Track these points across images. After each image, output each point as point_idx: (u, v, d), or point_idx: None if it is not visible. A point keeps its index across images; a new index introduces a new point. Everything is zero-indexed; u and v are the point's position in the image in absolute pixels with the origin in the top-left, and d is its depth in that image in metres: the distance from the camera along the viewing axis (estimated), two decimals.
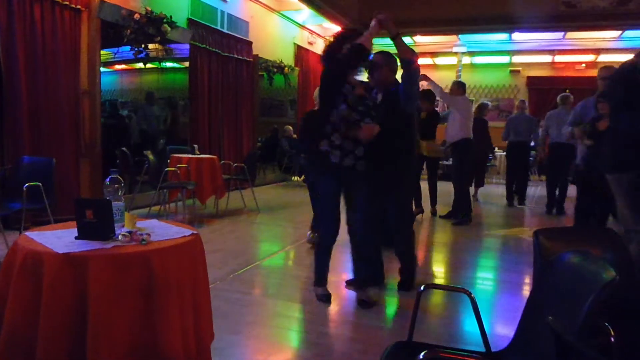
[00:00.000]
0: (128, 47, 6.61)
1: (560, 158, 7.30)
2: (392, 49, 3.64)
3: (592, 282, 1.35)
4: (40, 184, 4.06)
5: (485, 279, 4.51)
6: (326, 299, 3.49)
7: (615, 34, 11.28)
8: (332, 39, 3.52)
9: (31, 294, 1.68)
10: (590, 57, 13.56)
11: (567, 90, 8.65)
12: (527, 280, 4.23)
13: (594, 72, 14.77)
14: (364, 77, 3.61)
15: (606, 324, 1.55)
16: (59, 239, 1.86)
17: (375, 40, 3.42)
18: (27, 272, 1.71)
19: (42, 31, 5.35)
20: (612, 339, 1.53)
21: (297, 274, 4.07)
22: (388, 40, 3.45)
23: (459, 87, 6.89)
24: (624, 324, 1.77)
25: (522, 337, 1.69)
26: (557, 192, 7.60)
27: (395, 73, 3.72)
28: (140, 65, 7.93)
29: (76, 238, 1.87)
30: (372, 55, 3.51)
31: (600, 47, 12.17)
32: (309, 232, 5.10)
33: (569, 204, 7.42)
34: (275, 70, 10.27)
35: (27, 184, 3.99)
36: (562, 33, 11.48)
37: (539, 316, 1.51)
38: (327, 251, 3.48)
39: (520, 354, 1.66)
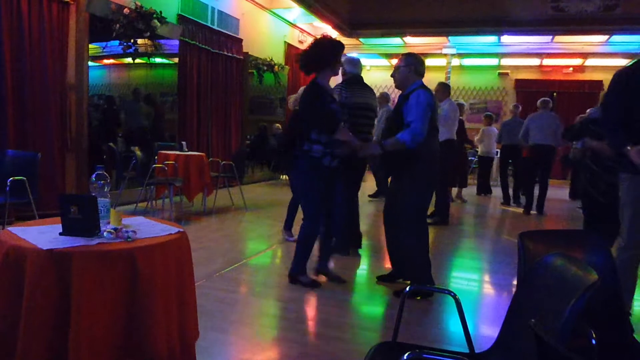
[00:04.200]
0: (117, 42, 6.55)
1: (541, 159, 7.58)
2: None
3: (574, 284, 1.36)
4: (24, 178, 4.01)
5: (470, 280, 4.54)
6: (317, 284, 3.81)
7: (602, 38, 11.41)
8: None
9: (13, 290, 1.66)
10: (577, 61, 13.72)
11: (555, 94, 8.77)
12: (512, 282, 4.26)
13: (581, 76, 14.99)
14: None
15: (587, 326, 1.57)
16: (43, 234, 1.84)
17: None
18: (9, 267, 1.69)
19: (29, 24, 5.29)
20: (594, 342, 1.55)
21: (283, 273, 4.05)
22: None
23: (444, 89, 6.76)
24: (605, 326, 1.80)
25: (505, 338, 1.70)
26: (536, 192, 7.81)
27: (419, 75, 3.75)
28: (129, 60, 7.86)
29: (60, 234, 1.85)
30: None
31: (588, 52, 12.31)
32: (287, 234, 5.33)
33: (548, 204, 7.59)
34: (265, 68, 10.25)
35: (11, 178, 3.94)
36: (550, 37, 11.59)
37: (522, 318, 1.53)
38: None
39: (503, 355, 1.68)
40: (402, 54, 3.85)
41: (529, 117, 7.82)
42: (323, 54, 3.64)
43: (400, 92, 3.80)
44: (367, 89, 4.71)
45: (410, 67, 3.69)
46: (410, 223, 3.72)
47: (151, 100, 8.74)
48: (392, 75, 3.85)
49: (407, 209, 3.71)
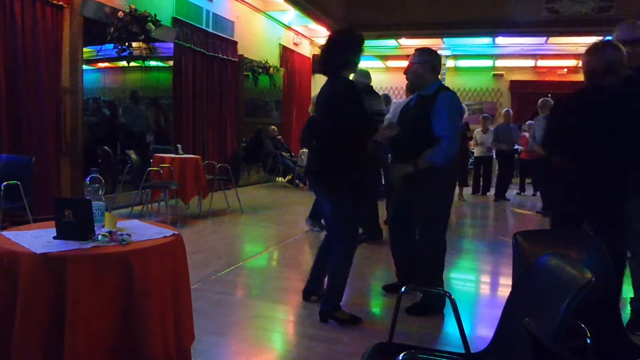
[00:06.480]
0: (111, 45, 6.54)
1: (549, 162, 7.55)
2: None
3: (569, 284, 1.36)
4: (18, 182, 3.99)
5: (466, 281, 4.54)
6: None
7: (596, 39, 11.46)
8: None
9: (7, 295, 1.65)
10: (572, 62, 13.77)
11: (549, 95, 8.83)
12: (508, 282, 4.26)
13: (575, 77, 15.06)
14: None
15: (582, 325, 1.57)
16: (37, 238, 1.83)
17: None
18: (3, 272, 1.68)
19: (23, 27, 5.26)
20: (588, 341, 1.55)
21: (280, 275, 4.06)
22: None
23: None
24: (601, 325, 1.80)
25: (500, 339, 1.70)
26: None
27: (436, 72, 3.42)
28: (124, 63, 7.85)
29: (54, 238, 1.84)
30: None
31: (582, 53, 12.36)
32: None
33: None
34: (260, 70, 10.25)
35: (5, 183, 3.93)
36: (545, 38, 11.63)
37: (518, 318, 1.53)
38: None
39: (499, 355, 1.68)
40: (416, 49, 3.45)
41: (535, 119, 7.71)
42: (345, 53, 3.10)
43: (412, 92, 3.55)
44: (378, 96, 5.41)
45: (427, 64, 3.32)
46: (432, 230, 3.38)
47: (157, 104, 8.76)
48: (405, 73, 3.44)
49: (433, 216, 3.38)
